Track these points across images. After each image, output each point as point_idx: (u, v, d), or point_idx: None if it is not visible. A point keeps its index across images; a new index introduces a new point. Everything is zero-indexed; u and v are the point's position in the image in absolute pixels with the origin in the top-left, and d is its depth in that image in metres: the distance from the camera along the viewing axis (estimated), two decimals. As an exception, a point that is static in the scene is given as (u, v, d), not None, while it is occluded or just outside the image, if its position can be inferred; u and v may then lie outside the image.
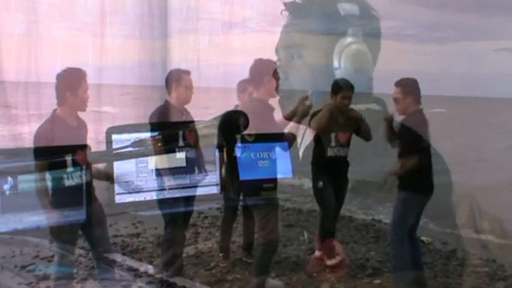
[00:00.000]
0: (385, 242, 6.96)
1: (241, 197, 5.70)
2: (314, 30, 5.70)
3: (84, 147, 4.09)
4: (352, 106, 5.91)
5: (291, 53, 5.80)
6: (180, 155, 3.83)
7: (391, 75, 5.92)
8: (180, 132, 4.64)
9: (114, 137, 1.78)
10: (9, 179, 1.75)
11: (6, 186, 1.75)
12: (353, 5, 5.77)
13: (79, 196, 3.74)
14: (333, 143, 5.86)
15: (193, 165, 4.27)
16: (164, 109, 5.37)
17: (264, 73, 5.28)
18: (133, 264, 1.70)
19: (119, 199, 1.78)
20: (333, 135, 5.83)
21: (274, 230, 5.32)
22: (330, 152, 5.85)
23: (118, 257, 1.64)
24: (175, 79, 5.41)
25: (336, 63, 5.73)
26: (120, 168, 1.75)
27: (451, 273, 6.16)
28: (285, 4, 5.75)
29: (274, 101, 5.55)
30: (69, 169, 3.53)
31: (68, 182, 3.39)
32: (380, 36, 5.90)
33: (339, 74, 5.77)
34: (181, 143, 4.67)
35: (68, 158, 3.38)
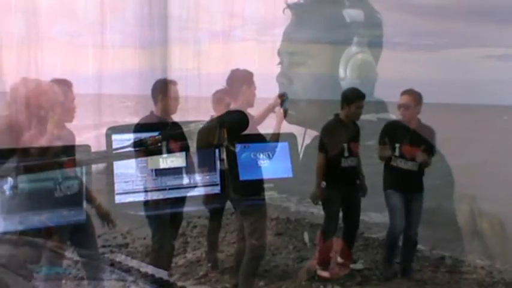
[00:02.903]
0: (373, 250, 7.00)
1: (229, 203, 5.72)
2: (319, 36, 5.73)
3: (72, 157, 4.05)
4: (364, 115, 6.03)
5: (294, 60, 5.83)
6: (164, 164, 3.80)
7: (380, 83, 6.01)
8: (164, 143, 4.62)
9: (114, 137, 1.77)
10: (9, 179, 1.74)
11: (6, 186, 1.73)
12: (358, 11, 5.83)
13: (67, 207, 3.71)
14: (346, 154, 5.90)
15: (181, 174, 4.25)
16: (148, 120, 5.30)
17: (243, 83, 5.30)
18: (134, 264, 1.68)
19: (118, 199, 1.78)
20: (345, 145, 5.88)
21: (262, 236, 5.34)
22: (343, 163, 5.90)
23: (118, 258, 1.62)
24: (161, 89, 5.34)
25: (341, 73, 5.80)
26: (120, 168, 1.76)
27: (440, 279, 6.19)
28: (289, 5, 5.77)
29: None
30: (58, 180, 3.49)
31: (56, 193, 3.35)
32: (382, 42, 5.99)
33: (344, 84, 5.84)
34: (164, 153, 4.64)
35: (57, 169, 3.34)
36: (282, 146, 1.72)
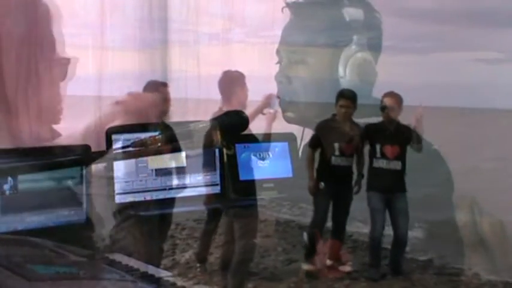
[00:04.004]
0: (362, 252, 7.04)
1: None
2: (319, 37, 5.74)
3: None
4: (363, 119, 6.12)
5: (294, 58, 5.85)
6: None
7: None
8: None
9: (114, 137, 1.78)
10: (9, 179, 1.73)
11: (6, 186, 1.73)
12: (358, 10, 5.85)
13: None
14: (337, 152, 5.97)
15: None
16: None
17: (235, 85, 5.30)
18: (134, 264, 1.66)
19: (118, 199, 1.79)
20: (336, 144, 5.94)
21: (252, 238, 5.36)
22: (333, 161, 5.96)
23: (118, 257, 1.62)
24: (152, 91, 5.32)
25: (341, 72, 5.84)
26: (120, 168, 1.76)
27: (427, 281, 6.24)
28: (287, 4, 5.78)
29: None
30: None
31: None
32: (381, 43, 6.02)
33: (343, 83, 5.89)
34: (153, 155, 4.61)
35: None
36: (281, 146, 1.73)
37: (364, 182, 6.19)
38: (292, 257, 6.87)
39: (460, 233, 5.89)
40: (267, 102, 5.61)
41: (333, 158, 5.99)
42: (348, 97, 5.90)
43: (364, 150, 6.17)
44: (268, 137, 4.80)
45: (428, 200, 6.35)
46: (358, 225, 7.39)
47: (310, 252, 6.29)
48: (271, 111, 5.49)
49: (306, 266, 6.25)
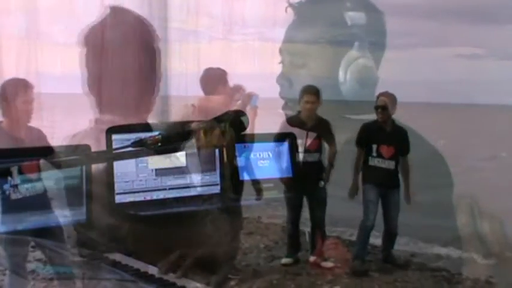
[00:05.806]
0: (344, 248, 7.08)
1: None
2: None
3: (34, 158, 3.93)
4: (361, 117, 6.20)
5: (295, 60, 5.84)
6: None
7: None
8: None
9: (114, 137, 1.78)
10: (9, 179, 1.73)
11: (6, 186, 1.72)
12: (360, 8, 5.86)
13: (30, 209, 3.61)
14: (300, 149, 5.98)
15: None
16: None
17: (218, 83, 5.27)
18: (134, 264, 1.65)
19: (118, 199, 1.79)
20: (300, 141, 5.95)
21: (236, 237, 5.37)
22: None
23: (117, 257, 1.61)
24: None
25: (341, 77, 5.87)
26: (120, 168, 1.76)
27: (410, 277, 6.29)
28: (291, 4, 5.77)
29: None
30: (16, 182, 3.38)
31: (14, 196, 3.25)
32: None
33: (344, 89, 5.92)
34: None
35: (14, 171, 3.22)
36: (281, 146, 1.73)
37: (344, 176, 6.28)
38: (274, 254, 6.87)
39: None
40: (248, 99, 5.59)
41: (305, 155, 6.02)
42: (312, 92, 5.93)
43: (335, 142, 6.20)
44: (252, 136, 4.82)
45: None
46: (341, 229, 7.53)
47: (292, 248, 6.35)
48: (252, 108, 5.48)
49: (284, 260, 6.31)
